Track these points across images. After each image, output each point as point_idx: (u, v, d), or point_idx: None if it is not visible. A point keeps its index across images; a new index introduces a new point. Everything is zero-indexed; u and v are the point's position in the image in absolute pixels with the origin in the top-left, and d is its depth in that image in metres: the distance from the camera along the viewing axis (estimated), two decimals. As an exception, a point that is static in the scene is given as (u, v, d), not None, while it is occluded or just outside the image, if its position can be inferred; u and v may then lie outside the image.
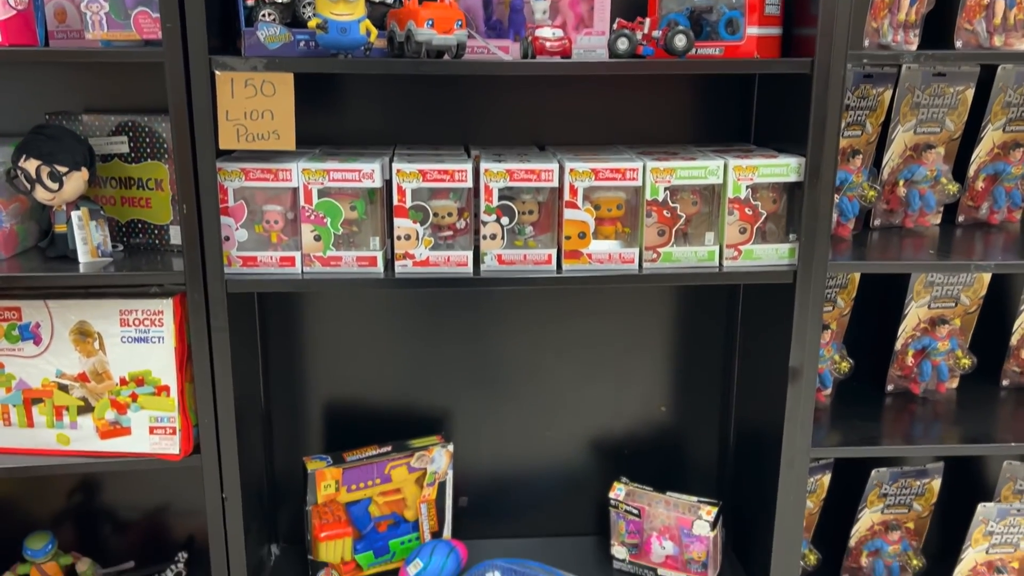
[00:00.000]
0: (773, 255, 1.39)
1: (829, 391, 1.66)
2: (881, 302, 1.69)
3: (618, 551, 1.70)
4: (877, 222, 1.62)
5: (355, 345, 1.70)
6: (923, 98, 1.54)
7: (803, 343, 1.40)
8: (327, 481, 1.58)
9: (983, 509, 1.57)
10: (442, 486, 1.67)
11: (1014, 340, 1.69)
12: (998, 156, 1.62)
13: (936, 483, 1.74)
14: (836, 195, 1.52)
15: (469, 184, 1.33)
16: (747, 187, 1.36)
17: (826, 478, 1.72)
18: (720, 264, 1.39)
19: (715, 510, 1.60)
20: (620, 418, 1.77)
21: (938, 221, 1.65)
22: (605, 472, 1.76)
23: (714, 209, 1.39)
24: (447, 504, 1.69)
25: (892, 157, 1.58)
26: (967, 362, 1.67)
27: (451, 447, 1.66)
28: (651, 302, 1.72)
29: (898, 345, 1.66)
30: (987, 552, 1.62)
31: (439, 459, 1.65)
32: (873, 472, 1.70)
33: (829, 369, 1.62)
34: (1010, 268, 1.46)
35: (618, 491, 1.68)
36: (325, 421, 1.73)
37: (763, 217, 1.38)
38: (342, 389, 1.72)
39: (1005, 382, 1.72)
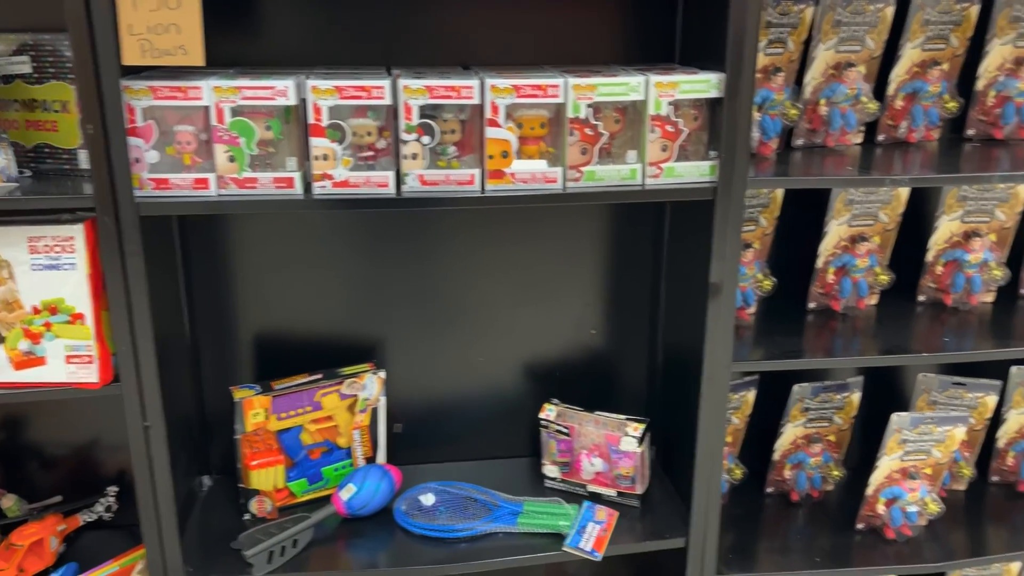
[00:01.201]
0: (695, 172, 1.40)
1: (752, 309, 1.69)
2: (803, 221, 1.72)
3: (550, 470, 1.73)
4: (800, 141, 1.64)
5: (285, 273, 1.67)
6: (844, 15, 1.55)
7: (723, 259, 1.42)
8: (255, 410, 1.57)
9: (897, 418, 1.64)
10: (375, 412, 1.68)
11: (930, 256, 1.74)
12: (916, 74, 1.64)
13: (856, 396, 1.81)
14: (758, 113, 1.53)
15: (388, 101, 1.30)
16: (668, 104, 1.36)
17: (751, 395, 1.77)
18: (643, 182, 1.40)
19: (642, 427, 1.64)
20: (552, 341, 1.79)
21: (859, 140, 1.68)
22: (537, 395, 1.78)
23: (636, 127, 1.38)
24: (380, 430, 1.70)
25: (814, 75, 1.59)
26: (885, 278, 1.72)
27: (383, 374, 1.66)
28: (582, 224, 1.73)
29: (819, 263, 1.70)
30: (901, 459, 1.69)
31: (370, 386, 1.65)
32: (795, 387, 1.75)
33: (752, 287, 1.66)
34: (925, 182, 1.50)
35: (548, 412, 1.70)
36: (256, 351, 1.72)
37: (684, 134, 1.39)
38: (272, 318, 1.70)
39: (921, 298, 1.78)
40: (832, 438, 1.83)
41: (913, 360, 1.61)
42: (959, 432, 1.67)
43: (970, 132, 1.71)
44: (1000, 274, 1.72)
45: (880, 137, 1.68)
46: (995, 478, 1.90)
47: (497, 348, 1.78)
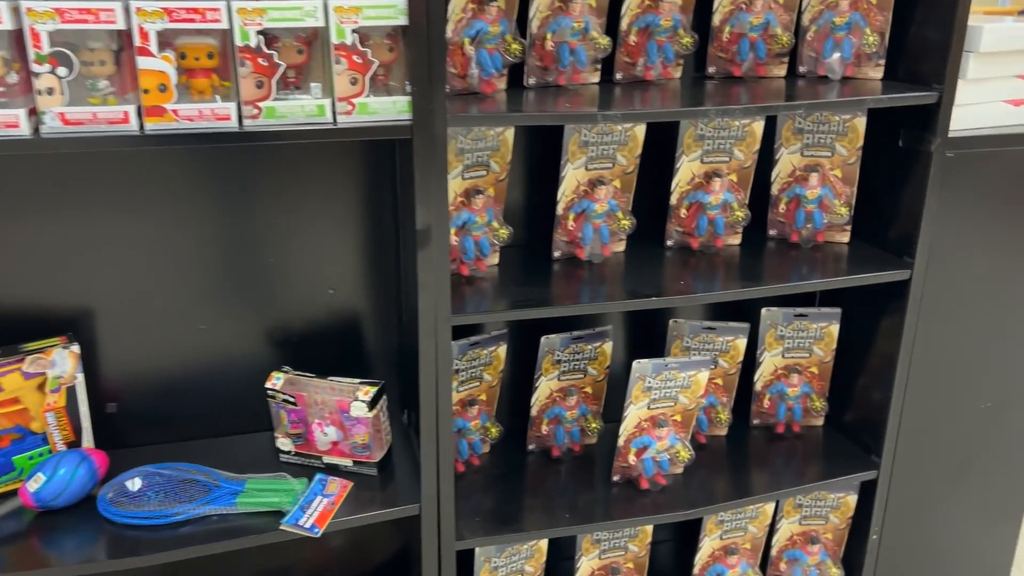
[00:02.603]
0: (391, 109, 1.28)
1: (492, 259, 1.60)
2: (543, 166, 1.64)
3: (283, 443, 1.59)
4: (532, 80, 1.54)
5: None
6: (563, -58, 1.46)
7: (428, 204, 1.31)
8: (-89, 395, 1.36)
9: (638, 365, 1.59)
10: (71, 392, 1.48)
11: (673, 199, 1.70)
12: (648, 8, 1.57)
13: (608, 346, 1.75)
14: (472, 47, 1.42)
15: (8, 26, 1.11)
16: (352, 31, 1.23)
17: (501, 349, 1.69)
18: (334, 119, 1.27)
19: (374, 390, 1.52)
20: (286, 304, 1.64)
21: (596, 80, 1.60)
22: (274, 363, 1.63)
23: (321, 57, 1.25)
24: (83, 411, 1.51)
25: (538, 8, 1.50)
26: (627, 223, 1.66)
27: (76, 347, 1.47)
28: (310, 168, 1.58)
29: (559, 209, 1.62)
30: (648, 408, 1.65)
31: (61, 362, 1.46)
32: (543, 339, 1.68)
33: (487, 236, 1.56)
34: (653, 117, 1.43)
35: (275, 380, 1.56)
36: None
37: (374, 66, 1.26)
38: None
39: (669, 242, 1.73)
40: (589, 390, 1.78)
41: (658, 304, 1.55)
42: (702, 377, 1.65)
43: (711, 70, 1.67)
44: (742, 215, 1.70)
45: (618, 75, 1.61)
46: (756, 421, 1.90)
47: (223, 313, 1.61)
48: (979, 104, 1.58)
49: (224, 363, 1.64)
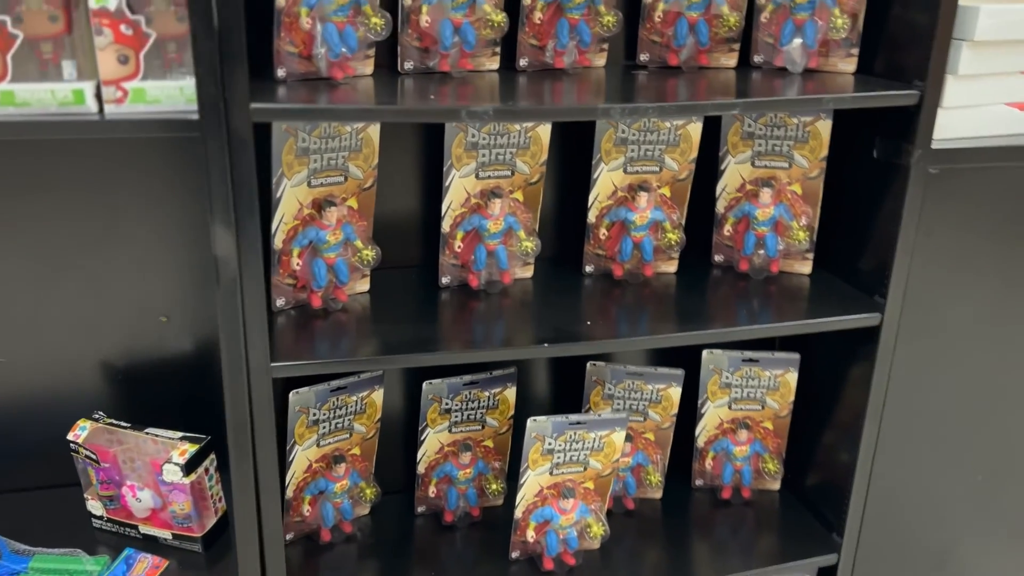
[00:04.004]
0: (178, 97, 0.97)
1: (355, 286, 1.29)
2: (427, 171, 1.33)
3: (93, 506, 1.30)
4: (408, 65, 1.23)
5: None
6: None
7: (226, 223, 1.00)
8: None
9: (533, 424, 1.27)
10: None
11: (591, 216, 1.38)
12: (557, -21, 1.26)
13: (511, 393, 1.44)
14: (312, 19, 1.11)
15: None
16: (116, -9, 0.92)
17: (377, 395, 1.39)
18: (100, 108, 0.96)
19: (193, 449, 1.22)
20: (108, 332, 1.34)
21: (495, 66, 1.28)
22: (90, 406, 1.33)
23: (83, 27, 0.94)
24: None
25: (410, -27, 1.18)
26: (530, 245, 1.34)
27: None
28: (128, 173, 1.28)
29: (444, 226, 1.31)
30: (551, 474, 1.33)
31: None
32: (424, 385, 1.37)
33: (346, 259, 1.24)
34: (532, 115, 1.11)
35: (80, 431, 1.26)
36: None
37: (151, 40, 0.95)
38: None
39: (588, 268, 1.41)
40: (489, 444, 1.47)
41: (558, 352, 1.23)
42: (618, 437, 1.33)
43: (643, 57, 1.35)
44: (676, 238, 1.37)
45: (522, 62, 1.29)
46: (699, 482, 1.58)
47: (26, 344, 1.32)
48: (974, 107, 1.25)
49: (29, 404, 1.35)
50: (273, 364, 1.07)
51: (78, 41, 0.95)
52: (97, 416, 1.28)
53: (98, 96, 0.95)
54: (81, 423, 1.27)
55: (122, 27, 0.93)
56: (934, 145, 1.21)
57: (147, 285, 1.33)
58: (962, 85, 1.22)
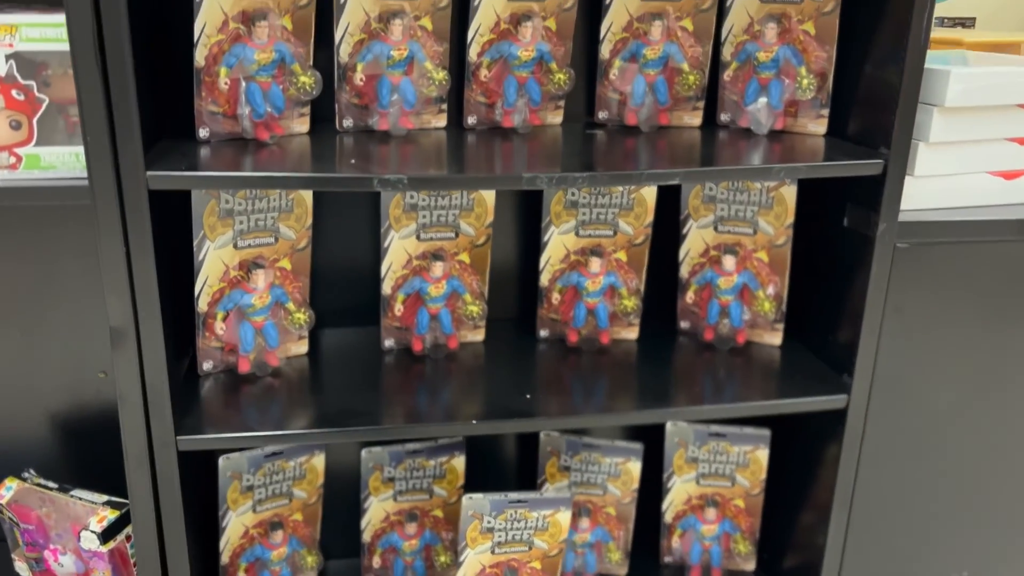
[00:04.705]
0: (75, 163, 0.94)
1: (289, 349, 1.25)
2: (363, 233, 1.28)
3: (20, 567, 1.26)
4: (346, 123, 1.18)
5: None
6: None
7: (119, 293, 0.96)
8: None
9: (468, 502, 1.21)
10: None
11: (544, 280, 1.31)
12: (506, 33, 1.19)
13: (459, 462, 1.37)
14: (231, 80, 1.07)
15: None
16: (8, 57, 0.90)
17: (318, 459, 1.33)
18: (-5, 175, 0.94)
19: (115, 515, 1.18)
20: (44, 390, 1.32)
21: (442, 123, 1.23)
22: (24, 462, 1.31)
23: (-22, 91, 0.92)
24: None
25: (347, 31, 1.14)
26: (476, 309, 1.28)
27: None
28: (65, 226, 1.26)
29: (386, 288, 1.26)
30: (492, 553, 1.26)
31: None
32: (363, 453, 1.32)
33: (277, 323, 1.20)
34: (447, 183, 1.05)
35: (6, 490, 1.23)
36: None
37: (44, 105, 0.92)
38: None
39: (543, 332, 1.34)
40: (438, 514, 1.40)
41: (508, 428, 1.17)
42: (563, 517, 1.25)
43: (601, 115, 1.29)
44: (632, 305, 1.29)
45: (470, 120, 1.24)
46: (667, 559, 1.48)
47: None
48: (951, 176, 1.15)
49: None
50: (180, 437, 1.03)
51: (-25, 105, 0.93)
52: (26, 475, 1.25)
53: (-8, 161, 0.93)
54: (8, 482, 1.24)
55: (13, 92, 0.91)
56: (903, 217, 1.12)
57: (86, 340, 1.31)
58: (935, 153, 1.13)
